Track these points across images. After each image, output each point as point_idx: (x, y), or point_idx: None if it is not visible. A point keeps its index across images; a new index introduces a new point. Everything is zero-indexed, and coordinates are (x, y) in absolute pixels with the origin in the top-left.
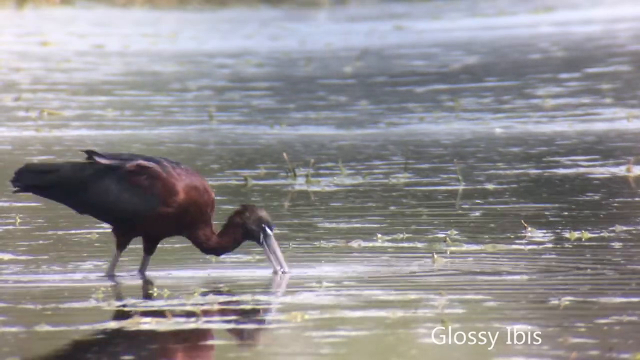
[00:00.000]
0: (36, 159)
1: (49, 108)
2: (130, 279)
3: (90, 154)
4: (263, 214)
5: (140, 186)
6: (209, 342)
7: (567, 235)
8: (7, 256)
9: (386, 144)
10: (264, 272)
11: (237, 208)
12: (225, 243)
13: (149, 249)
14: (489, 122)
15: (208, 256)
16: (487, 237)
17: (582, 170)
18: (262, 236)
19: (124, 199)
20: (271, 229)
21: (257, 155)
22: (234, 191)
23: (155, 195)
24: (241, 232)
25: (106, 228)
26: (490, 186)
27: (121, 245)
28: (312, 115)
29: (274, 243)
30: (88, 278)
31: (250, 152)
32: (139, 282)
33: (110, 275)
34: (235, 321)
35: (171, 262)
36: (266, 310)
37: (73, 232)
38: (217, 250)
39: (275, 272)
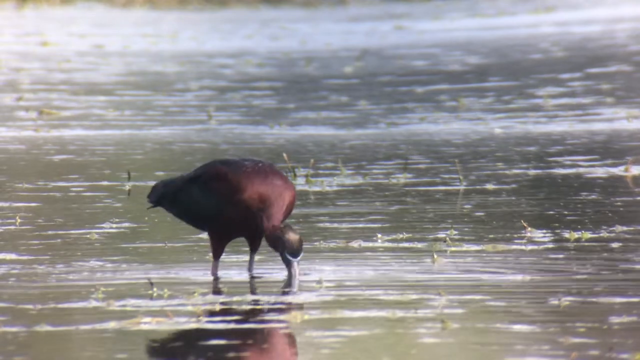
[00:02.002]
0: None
1: (49, 108)
2: (130, 278)
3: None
4: (289, 239)
5: (212, 189)
6: (209, 342)
7: (567, 235)
8: (7, 256)
9: (386, 144)
10: (264, 274)
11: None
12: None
13: (252, 247)
14: (489, 122)
15: (209, 254)
16: (487, 237)
17: (582, 170)
18: (283, 259)
19: (201, 204)
20: (294, 257)
21: (258, 155)
22: None
23: (222, 195)
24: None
25: (106, 228)
26: (490, 186)
27: (219, 249)
28: (312, 116)
29: (293, 271)
30: (88, 278)
31: (249, 152)
32: (140, 282)
33: (214, 275)
34: (235, 321)
35: (176, 262)
36: (266, 310)
37: (73, 232)
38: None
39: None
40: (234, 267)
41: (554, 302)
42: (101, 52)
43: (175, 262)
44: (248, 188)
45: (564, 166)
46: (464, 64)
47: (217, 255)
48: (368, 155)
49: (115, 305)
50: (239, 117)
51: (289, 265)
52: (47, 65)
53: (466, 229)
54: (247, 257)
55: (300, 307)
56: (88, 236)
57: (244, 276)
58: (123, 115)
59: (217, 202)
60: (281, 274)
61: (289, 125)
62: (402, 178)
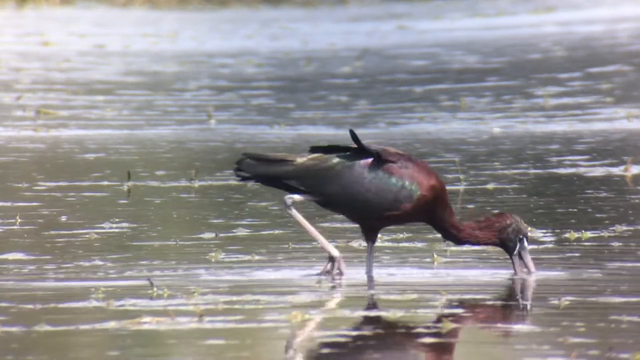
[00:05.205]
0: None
1: (49, 108)
2: (130, 278)
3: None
4: (523, 225)
5: (395, 174)
6: (210, 342)
7: (567, 235)
8: (7, 256)
9: (386, 143)
10: (264, 274)
11: (500, 212)
12: (479, 236)
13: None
14: (489, 122)
15: (209, 254)
16: None
17: (582, 170)
18: (517, 247)
19: (381, 188)
20: (527, 241)
21: None
22: (235, 190)
23: (415, 181)
24: (495, 236)
25: (106, 228)
26: (490, 186)
27: (371, 237)
28: (312, 115)
29: (527, 254)
30: (88, 278)
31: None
32: (141, 281)
33: (369, 275)
34: (235, 321)
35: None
36: (266, 310)
37: (73, 232)
38: (464, 240)
39: (515, 273)
40: (235, 267)
41: (554, 302)
42: (101, 52)
43: (175, 261)
44: (434, 177)
45: (563, 166)
46: (465, 63)
47: (372, 239)
48: None
49: (115, 305)
50: (238, 116)
51: (523, 251)
52: (47, 65)
53: None
54: (247, 257)
55: (300, 307)
56: (88, 236)
57: (244, 276)
58: (121, 115)
59: (407, 187)
60: (278, 274)
61: (288, 125)
62: None
